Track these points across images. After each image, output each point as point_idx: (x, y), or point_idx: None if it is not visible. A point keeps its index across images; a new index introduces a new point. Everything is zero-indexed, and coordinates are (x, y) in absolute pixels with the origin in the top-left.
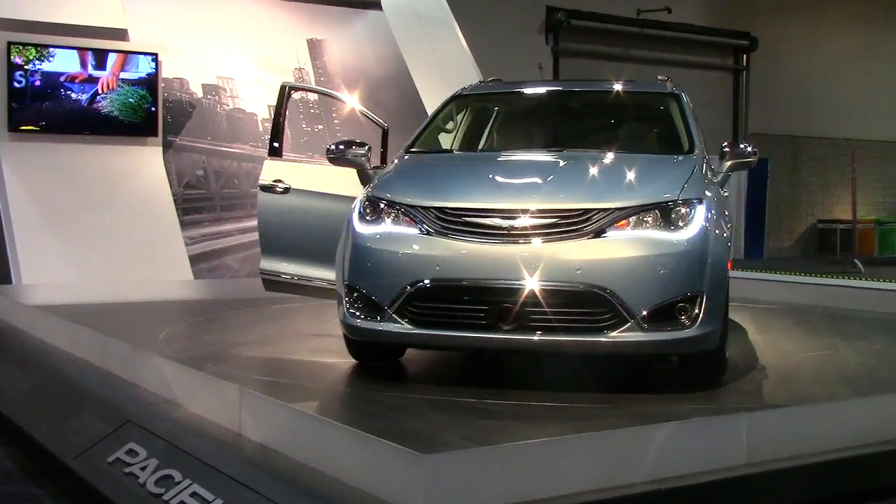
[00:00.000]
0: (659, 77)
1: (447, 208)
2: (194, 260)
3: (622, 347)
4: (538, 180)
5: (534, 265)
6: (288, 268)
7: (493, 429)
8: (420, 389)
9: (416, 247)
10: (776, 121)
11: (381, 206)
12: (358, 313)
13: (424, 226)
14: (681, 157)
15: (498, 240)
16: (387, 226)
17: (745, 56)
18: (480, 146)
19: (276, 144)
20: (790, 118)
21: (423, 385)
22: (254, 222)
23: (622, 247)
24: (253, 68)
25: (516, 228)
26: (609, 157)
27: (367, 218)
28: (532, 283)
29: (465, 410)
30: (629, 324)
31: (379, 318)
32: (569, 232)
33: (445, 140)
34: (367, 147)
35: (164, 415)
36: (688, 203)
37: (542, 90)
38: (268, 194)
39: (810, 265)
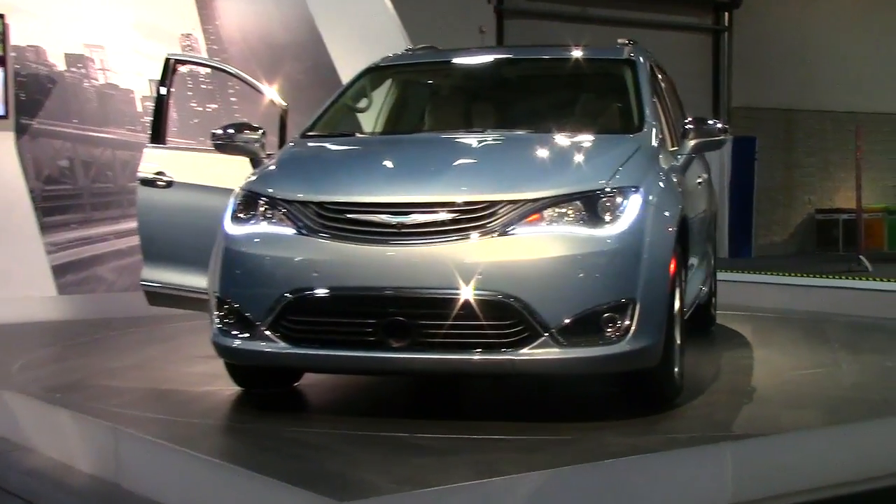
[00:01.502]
0: (619, 40)
1: (328, 203)
2: (59, 271)
3: (536, 367)
4: (439, 168)
5: (428, 270)
6: (175, 277)
7: (431, 468)
8: (335, 422)
9: (291, 250)
10: (765, 91)
11: (259, 202)
12: (229, 330)
13: (303, 225)
14: (624, 137)
15: (386, 240)
16: (263, 226)
17: (726, 14)
18: (401, 127)
19: (158, 128)
20: (782, 88)
21: (338, 416)
22: (133, 223)
23: (533, 246)
24: (129, 34)
25: (407, 226)
26: (537, 138)
27: (241, 217)
28: (426, 292)
29: (393, 446)
30: (543, 338)
31: (250, 336)
32: (470, 229)
33: (369, 122)
34: (260, 131)
35: (17, 465)
36: (620, 192)
37: (473, 60)
38: (149, 189)
39: (808, 264)
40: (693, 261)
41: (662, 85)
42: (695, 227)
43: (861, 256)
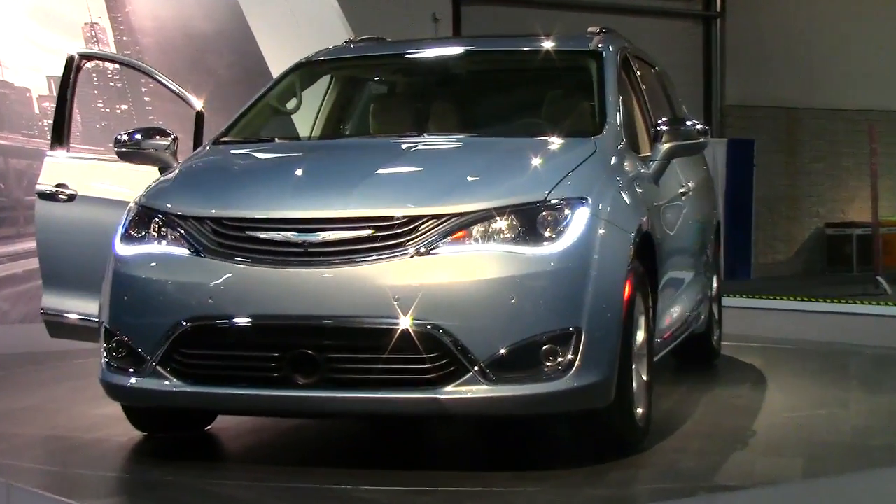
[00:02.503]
0: (590, 29)
1: (225, 219)
2: None
3: (464, 406)
4: (356, 178)
5: (338, 295)
6: (79, 305)
7: None
8: (258, 472)
9: (184, 273)
10: (764, 87)
11: (154, 218)
12: (118, 367)
13: (199, 244)
14: (578, 140)
15: (291, 261)
16: (156, 245)
17: None
18: (338, 131)
19: (60, 134)
20: (783, 83)
21: (261, 465)
22: (31, 244)
23: (460, 267)
24: (24, 23)
25: (315, 245)
26: (479, 143)
27: (133, 235)
28: (336, 321)
29: (330, 501)
30: (470, 374)
31: (141, 373)
32: (387, 248)
33: (307, 125)
34: (171, 137)
35: None
36: (564, 204)
37: (417, 54)
38: (49, 203)
39: (817, 286)
40: (671, 283)
41: (643, 80)
42: (672, 243)
43: (878, 277)
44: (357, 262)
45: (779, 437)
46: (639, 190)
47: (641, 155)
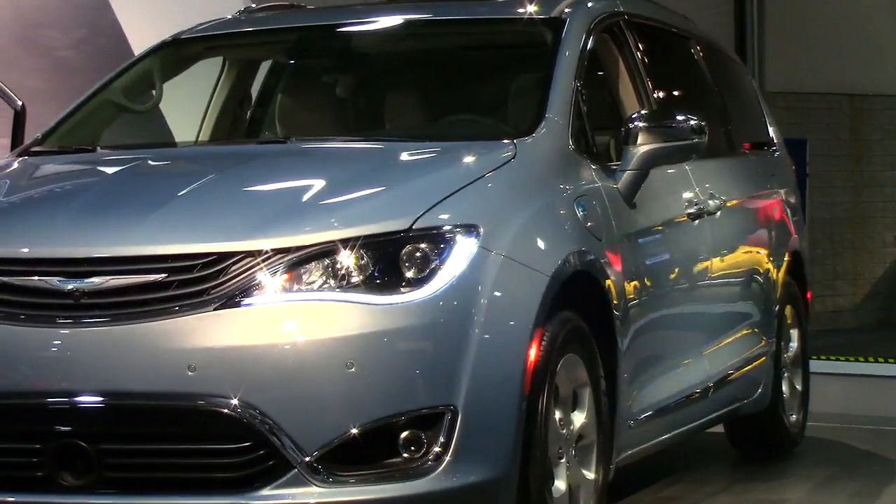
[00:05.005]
0: None
1: None
2: None
3: None
4: (154, 203)
5: (116, 364)
6: None
7: None
8: None
9: None
10: (817, 67)
11: None
12: None
13: None
14: (494, 144)
15: (56, 316)
16: None
17: None
18: (214, 134)
19: None
20: (843, 61)
21: None
22: None
23: (279, 323)
24: None
25: (90, 294)
26: (352, 150)
27: None
28: (113, 399)
29: None
30: (294, 471)
31: None
32: (184, 297)
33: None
34: None
35: None
36: (439, 234)
37: (313, 28)
38: None
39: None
40: (662, 342)
41: (642, 58)
42: (664, 285)
43: None
44: (142, 317)
45: None
46: (582, 212)
47: (612, 164)
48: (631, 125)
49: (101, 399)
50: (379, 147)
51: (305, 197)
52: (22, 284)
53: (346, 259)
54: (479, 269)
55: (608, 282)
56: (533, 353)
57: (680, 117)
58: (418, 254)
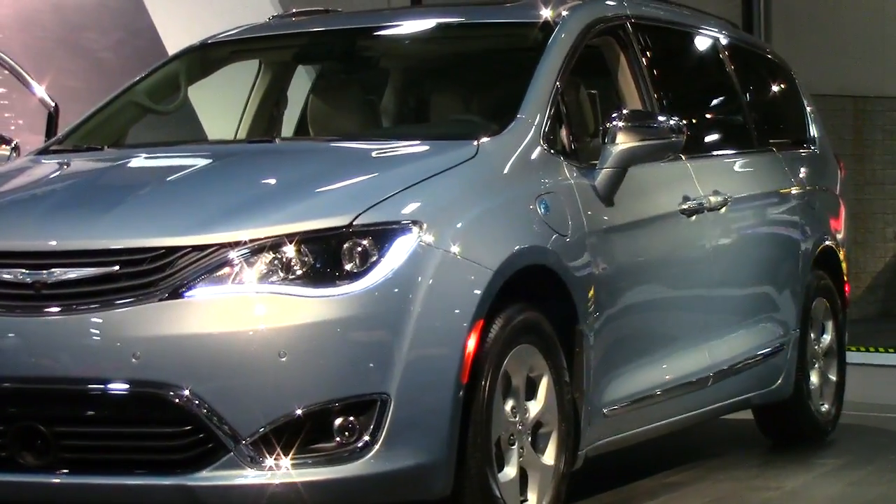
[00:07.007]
0: None
1: None
2: None
3: (223, 497)
4: (116, 199)
5: (70, 351)
6: None
7: None
8: None
9: None
10: (823, 69)
11: None
12: None
13: None
14: (457, 144)
15: (19, 306)
16: None
17: None
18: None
19: None
20: (849, 64)
21: None
22: None
23: (218, 314)
24: None
25: (49, 286)
26: (320, 149)
27: None
28: (65, 386)
29: None
30: (230, 454)
31: None
32: (134, 289)
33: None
34: (10, 145)
35: None
36: (378, 230)
37: (327, 32)
38: None
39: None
40: (645, 334)
41: (648, 60)
42: (647, 279)
43: None
44: (95, 308)
45: None
46: (544, 209)
47: (589, 163)
48: (610, 124)
49: (56, 385)
50: (342, 146)
51: (254, 194)
52: None
53: (288, 253)
54: (417, 264)
55: (572, 275)
56: (472, 343)
57: (661, 117)
58: (358, 249)
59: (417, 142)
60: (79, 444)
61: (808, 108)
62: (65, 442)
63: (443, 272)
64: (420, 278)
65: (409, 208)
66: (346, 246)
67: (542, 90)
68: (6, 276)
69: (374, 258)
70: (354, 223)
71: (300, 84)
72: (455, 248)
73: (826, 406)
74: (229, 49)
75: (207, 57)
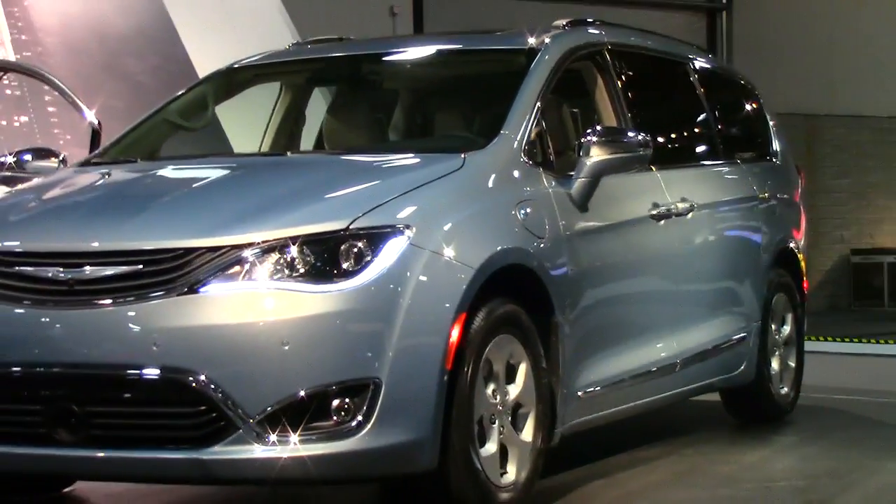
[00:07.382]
0: (555, 22)
1: (1, 252)
2: None
3: (233, 470)
4: (141, 205)
5: (99, 340)
6: None
7: None
8: None
9: None
10: (777, 90)
11: None
12: None
13: None
14: (445, 157)
15: (55, 300)
16: None
17: None
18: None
19: None
20: (800, 85)
21: None
22: None
23: (229, 307)
24: None
25: (82, 282)
26: (323, 162)
27: None
28: (95, 370)
29: None
30: (240, 431)
31: None
32: (155, 286)
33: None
34: (59, 158)
35: None
36: (372, 233)
37: (337, 57)
38: None
39: (844, 324)
40: (618, 324)
41: (623, 82)
42: (621, 277)
43: None
44: (121, 302)
45: None
46: (523, 215)
47: (566, 174)
48: (584, 139)
49: (86, 370)
50: (344, 159)
51: (263, 201)
52: (33, 274)
53: (292, 254)
54: (407, 263)
55: (548, 273)
56: (456, 333)
57: (630, 133)
58: (355, 250)
59: (411, 154)
60: (108, 422)
61: (772, 124)
62: (95, 420)
63: (430, 270)
64: (409, 275)
65: (401, 213)
66: (343, 247)
67: (524, 108)
68: (45, 274)
69: (369, 258)
70: (351, 227)
71: (317, 103)
72: (441, 249)
73: (786, 389)
74: (253, 72)
75: (233, 80)
